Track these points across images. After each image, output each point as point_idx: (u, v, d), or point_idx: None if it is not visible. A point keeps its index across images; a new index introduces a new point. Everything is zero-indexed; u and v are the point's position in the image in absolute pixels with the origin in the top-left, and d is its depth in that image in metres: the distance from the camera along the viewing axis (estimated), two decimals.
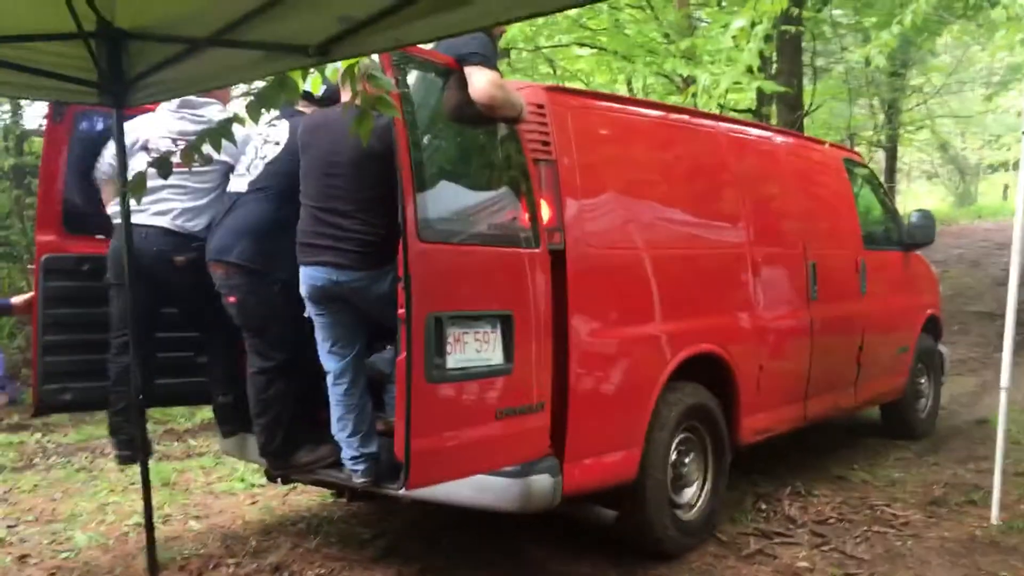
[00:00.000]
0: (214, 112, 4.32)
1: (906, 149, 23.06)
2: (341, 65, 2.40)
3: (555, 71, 14.58)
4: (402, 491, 3.39)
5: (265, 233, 4.00)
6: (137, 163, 4.05)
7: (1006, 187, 28.48)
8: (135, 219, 3.93)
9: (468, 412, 3.40)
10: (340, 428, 3.90)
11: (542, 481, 3.67)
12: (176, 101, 4.26)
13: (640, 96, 13.36)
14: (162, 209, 4.17)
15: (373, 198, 3.69)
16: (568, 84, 15.28)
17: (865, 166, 7.26)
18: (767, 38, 7.76)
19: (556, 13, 9.98)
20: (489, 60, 3.54)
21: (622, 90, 15.75)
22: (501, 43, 10.88)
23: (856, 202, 6.39)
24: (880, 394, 6.57)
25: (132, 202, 3.58)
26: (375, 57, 2.81)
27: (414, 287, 3.09)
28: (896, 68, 16.92)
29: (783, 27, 9.69)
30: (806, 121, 13.08)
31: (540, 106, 3.89)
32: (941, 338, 7.46)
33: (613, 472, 4.04)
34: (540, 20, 11.67)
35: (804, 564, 4.32)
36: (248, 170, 4.17)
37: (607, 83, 14.66)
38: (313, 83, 2.62)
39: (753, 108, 12.22)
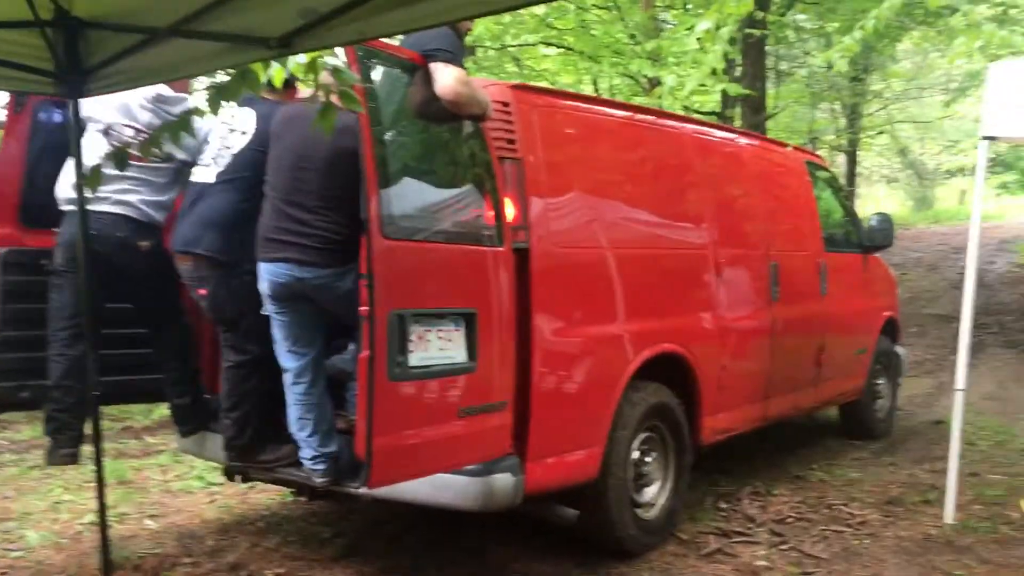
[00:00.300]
0: (181, 111, 4.09)
1: (866, 153, 23.39)
2: (305, 58, 2.37)
3: (521, 70, 14.59)
4: (362, 490, 3.38)
5: (234, 224, 3.95)
6: (95, 144, 4.01)
7: (963, 192, 29.01)
8: (96, 207, 3.91)
9: (430, 410, 3.39)
10: (299, 427, 3.84)
11: (504, 480, 3.67)
12: (151, 92, 4.20)
13: (606, 96, 13.41)
14: (124, 199, 4.10)
15: (342, 196, 3.64)
16: (534, 83, 15.31)
17: (826, 169, 7.37)
18: (732, 41, 7.82)
19: (521, 9, 9.97)
20: (455, 57, 3.51)
21: (588, 90, 15.81)
22: (467, 40, 10.85)
23: (817, 205, 6.47)
24: (839, 394, 6.65)
25: (90, 191, 3.52)
26: (340, 51, 2.78)
27: (377, 284, 3.08)
28: (857, 73, 17.17)
29: (747, 30, 9.77)
30: (769, 124, 13.23)
31: (506, 104, 3.88)
32: (899, 340, 7.56)
33: (575, 471, 4.04)
34: (507, 18, 11.67)
35: (763, 563, 4.36)
36: (214, 160, 4.11)
37: (573, 83, 14.69)
38: (276, 75, 2.57)
39: (718, 110, 12.31)
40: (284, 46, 2.37)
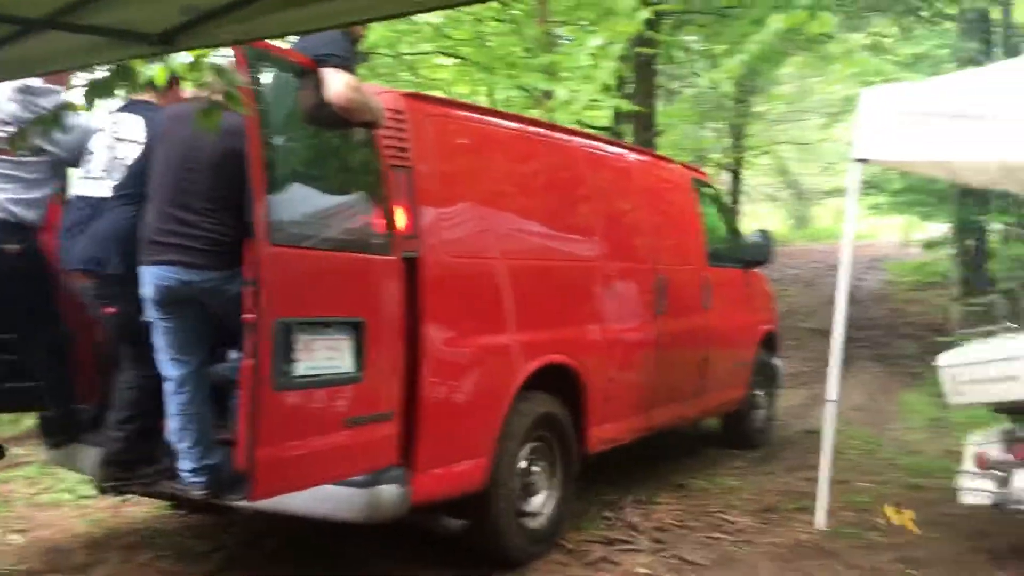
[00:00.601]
0: (50, 102, 4.00)
1: (750, 172, 24.20)
2: (190, 56, 2.30)
3: (416, 79, 14.54)
4: (243, 503, 3.31)
5: (136, 239, 3.82)
6: None
7: (839, 212, 30.35)
8: None
9: (316, 421, 3.35)
10: (180, 438, 3.72)
11: (389, 491, 3.65)
12: (17, 84, 3.99)
13: (501, 108, 13.49)
14: None
15: (229, 197, 3.58)
16: (428, 92, 15.27)
17: (711, 186, 7.59)
18: (623, 58, 7.99)
19: (413, 16, 9.92)
20: (347, 62, 3.48)
21: (483, 101, 15.87)
22: (362, 47, 10.73)
23: (702, 220, 6.65)
24: (720, 405, 6.85)
25: None
26: (226, 51, 2.71)
27: (263, 291, 3.04)
28: (742, 95, 17.79)
29: (638, 49, 10.02)
30: (659, 140, 13.56)
31: (398, 112, 3.88)
32: (777, 352, 7.84)
33: (463, 481, 4.05)
34: (402, 26, 11.60)
35: (644, 570, 4.45)
36: (107, 173, 3.98)
37: (468, 94, 14.71)
38: (158, 74, 2.49)
39: (610, 125, 12.55)
40: (165, 43, 2.29)
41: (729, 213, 7.56)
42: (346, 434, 3.43)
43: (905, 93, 5.06)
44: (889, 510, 5.44)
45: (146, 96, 4.05)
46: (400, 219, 3.75)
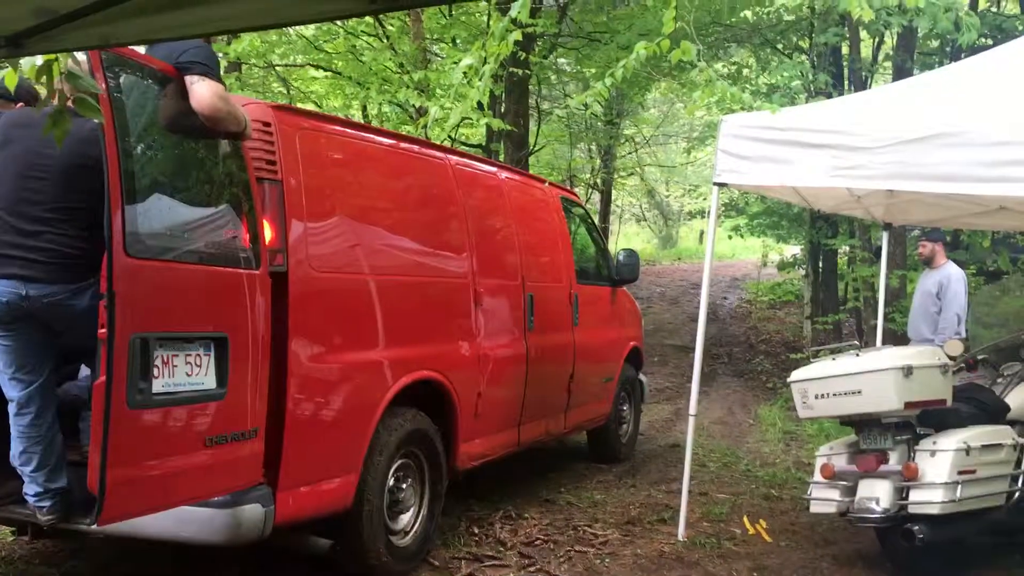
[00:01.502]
0: None
1: (619, 192, 24.87)
2: (40, 60, 2.18)
3: (289, 91, 14.28)
4: (95, 527, 3.14)
5: None
6: None
7: (702, 232, 31.48)
8: None
9: (174, 440, 3.21)
10: (23, 461, 3.47)
11: (252, 511, 3.54)
12: None
13: (375, 123, 13.41)
14: None
15: (78, 208, 3.42)
16: (300, 105, 15.03)
17: (581, 205, 7.79)
18: (496, 78, 8.08)
19: (285, 27, 9.77)
20: (212, 71, 3.39)
21: (356, 116, 15.73)
22: (232, 56, 10.47)
23: (572, 239, 6.81)
24: (588, 420, 6.95)
25: None
26: (81, 55, 2.60)
27: (119, 305, 2.90)
28: (612, 117, 18.28)
29: (512, 69, 10.16)
30: (531, 160, 13.77)
31: (267, 124, 3.81)
32: (642, 368, 8.06)
33: (329, 500, 3.98)
34: (273, 36, 11.40)
35: None
36: None
37: (341, 107, 14.57)
38: (7, 78, 2.36)
39: (483, 144, 12.66)
40: (14, 46, 2.17)
41: (597, 232, 7.75)
42: (207, 453, 3.29)
43: (761, 121, 5.31)
44: (745, 520, 5.67)
45: None
46: (267, 233, 3.67)
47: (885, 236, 7.61)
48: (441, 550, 4.86)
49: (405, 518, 4.55)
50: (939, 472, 4.38)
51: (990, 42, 9.64)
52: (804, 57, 12.93)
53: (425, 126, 8.24)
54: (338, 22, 10.87)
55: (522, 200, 6.21)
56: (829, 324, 12.91)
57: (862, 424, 4.69)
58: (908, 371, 4.46)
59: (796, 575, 4.82)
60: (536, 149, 14.83)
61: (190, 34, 2.52)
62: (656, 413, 9.55)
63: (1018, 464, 4.68)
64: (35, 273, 3.38)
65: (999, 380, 5.43)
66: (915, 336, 7.07)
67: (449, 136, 13.82)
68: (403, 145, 5.06)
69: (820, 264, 14.05)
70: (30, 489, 3.49)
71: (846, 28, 11.27)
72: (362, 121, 11.99)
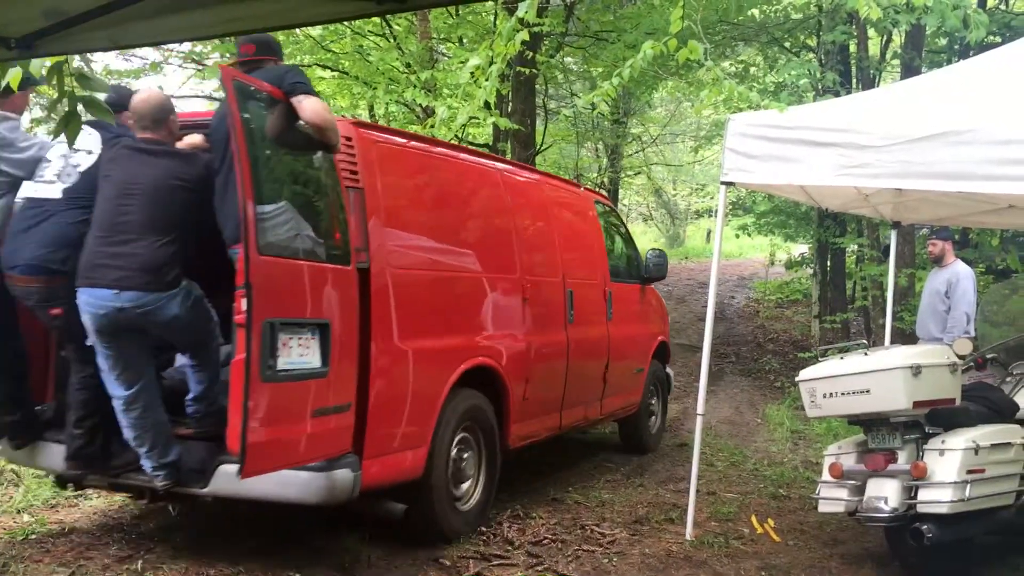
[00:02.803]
0: (6, 128, 4.26)
1: (626, 192, 24.87)
2: (49, 62, 2.20)
3: None
4: (204, 490, 4.00)
5: (82, 242, 4.01)
6: None
7: (709, 231, 31.45)
8: None
9: (291, 409, 3.71)
10: (138, 444, 4.06)
11: (344, 476, 4.06)
12: None
13: (382, 123, 13.45)
14: None
15: (166, 222, 3.98)
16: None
17: (613, 208, 8.19)
18: (503, 77, 8.09)
19: (292, 28, 9.79)
20: (313, 91, 3.91)
21: (363, 115, 15.75)
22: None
23: (605, 240, 7.23)
24: (620, 409, 7.25)
25: None
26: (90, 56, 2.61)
27: (254, 295, 3.42)
28: (618, 116, 18.27)
29: (518, 68, 10.15)
30: (538, 159, 13.76)
31: (349, 139, 4.30)
32: (668, 362, 8.23)
33: (404, 468, 4.54)
34: (280, 36, 11.41)
35: None
36: (59, 177, 4.18)
37: (348, 107, 14.59)
38: (13, 79, 2.37)
39: (490, 143, 12.66)
40: (25, 47, 2.19)
41: (627, 233, 8.10)
42: (313, 422, 3.80)
43: (768, 120, 5.30)
44: (754, 520, 5.67)
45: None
46: (356, 233, 4.21)
47: (893, 235, 7.59)
48: (449, 549, 4.86)
49: (465, 486, 5.13)
50: (948, 471, 4.36)
51: (999, 40, 9.62)
52: (812, 55, 12.91)
53: (432, 126, 8.29)
54: (345, 22, 10.89)
55: (561, 203, 6.75)
56: (837, 323, 12.89)
57: (871, 423, 4.68)
58: (917, 370, 4.45)
59: (804, 574, 4.82)
60: (543, 148, 14.82)
61: (201, 36, 2.53)
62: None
63: None
64: (128, 281, 3.88)
65: (1008, 379, 5.42)
66: (924, 335, 7.06)
67: (456, 135, 13.85)
68: (462, 156, 5.61)
69: (828, 263, 14.02)
70: (146, 463, 4.09)
71: (854, 26, 11.24)
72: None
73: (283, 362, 3.56)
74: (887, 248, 8.68)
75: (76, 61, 2.31)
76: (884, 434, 4.63)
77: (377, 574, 4.50)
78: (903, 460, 4.51)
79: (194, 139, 4.45)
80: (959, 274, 6.88)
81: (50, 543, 4.65)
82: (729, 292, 19.37)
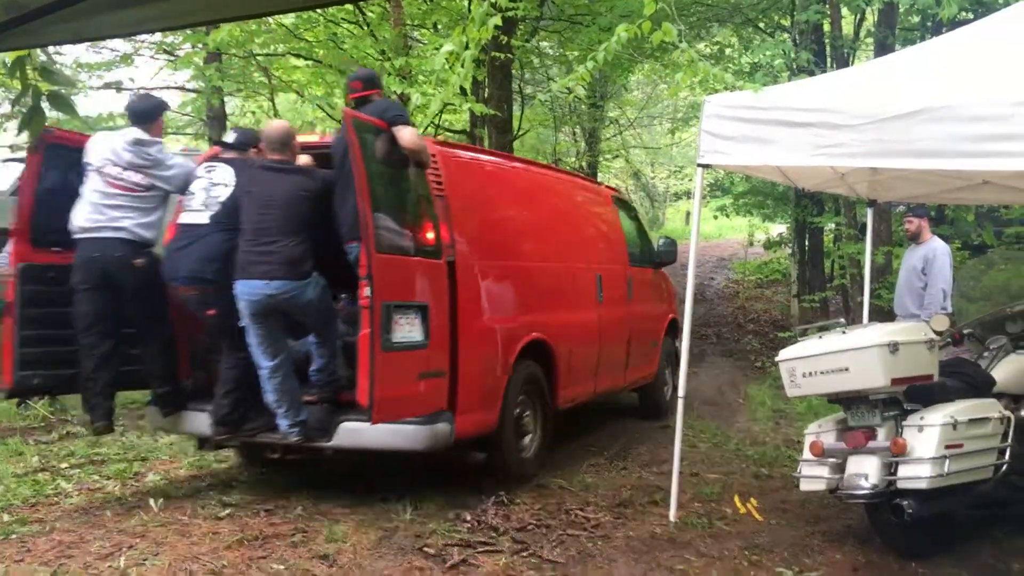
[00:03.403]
0: (155, 151, 5.39)
1: (604, 175, 24.86)
2: (8, 57, 2.15)
3: (270, 80, 14.17)
4: (327, 443, 5.18)
5: (227, 257, 5.13)
6: (93, 182, 5.26)
7: (688, 213, 31.54)
8: (98, 234, 5.17)
9: (403, 373, 4.78)
10: (277, 406, 5.18)
11: (443, 427, 5.12)
12: (131, 137, 5.31)
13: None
14: (119, 224, 5.19)
15: (297, 225, 5.08)
16: (282, 94, 14.94)
17: (627, 202, 9.33)
18: (478, 63, 8.05)
19: (260, 17, 9.69)
20: (409, 120, 5.15)
21: (339, 103, 15.63)
22: (211, 47, 10.38)
23: (623, 229, 8.30)
24: (641, 377, 8.27)
25: (94, 218, 5.15)
26: (53, 49, 2.57)
27: (376, 284, 4.50)
28: (595, 100, 18.25)
29: (494, 54, 10.11)
30: (516, 144, 13.72)
31: (434, 156, 5.31)
32: (678, 337, 8.63)
33: (484, 423, 5.58)
34: (253, 25, 11.29)
35: (504, 571, 4.49)
36: (205, 206, 5.28)
37: (323, 95, 14.48)
38: None
39: (467, 129, 12.62)
40: None
41: (640, 223, 9.13)
42: (419, 384, 4.93)
43: (744, 101, 5.30)
44: (736, 500, 5.70)
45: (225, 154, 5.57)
46: (444, 233, 5.21)
47: (870, 213, 7.63)
48: (434, 538, 4.87)
49: (526, 440, 6.15)
50: (927, 447, 4.40)
51: (971, 16, 9.65)
52: (786, 35, 12.93)
53: (412, 114, 8.24)
54: (317, 10, 10.79)
55: (588, 200, 8.00)
56: (816, 302, 12.97)
57: (850, 401, 4.71)
58: (894, 347, 4.47)
59: (787, 552, 4.85)
60: (520, 134, 14.79)
61: (169, 26, 2.49)
62: (629, 395, 9.56)
63: (1004, 437, 4.69)
64: (274, 273, 5.00)
65: (985, 354, 5.46)
66: (901, 312, 7.11)
67: (432, 122, 13.77)
68: (513, 164, 7.00)
69: (806, 242, 14.09)
70: (283, 423, 5.19)
71: (827, 5, 11.26)
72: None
73: (396, 336, 4.61)
74: (864, 227, 8.74)
75: (41, 56, 2.26)
76: (863, 412, 4.66)
77: (363, 562, 4.50)
78: (882, 437, 4.54)
79: (305, 159, 5.53)
80: (935, 251, 6.93)
81: (31, 542, 4.64)
82: (709, 273, 19.46)
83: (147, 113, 5.49)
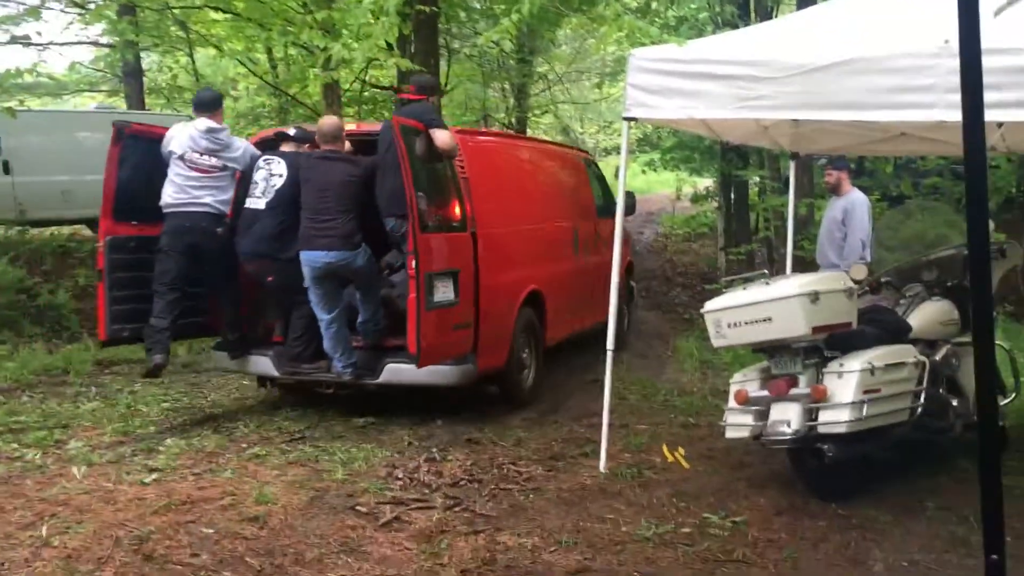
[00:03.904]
0: (224, 136, 6.55)
1: (534, 131, 24.75)
2: None
3: (188, 35, 13.70)
4: (374, 381, 6.32)
5: (282, 235, 6.35)
6: (175, 168, 6.38)
7: (617, 168, 31.72)
8: (188, 208, 6.35)
9: (441, 325, 5.95)
10: (332, 350, 6.37)
11: (470, 367, 6.34)
12: (204, 127, 6.44)
13: (280, 67, 13.12)
14: (204, 200, 6.37)
15: (349, 205, 6.25)
16: (201, 49, 14.47)
17: (594, 162, 10.66)
18: (403, 17, 7.89)
19: None
20: (443, 123, 6.34)
21: (262, 59, 15.22)
22: (124, 0, 9.96)
23: (591, 186, 9.60)
24: (605, 318, 8.23)
25: (180, 197, 6.34)
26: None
27: (420, 258, 5.65)
28: (524, 55, 18.08)
29: (419, 7, 9.92)
30: (444, 100, 13.55)
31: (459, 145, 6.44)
32: (631, 278, 10.74)
33: (497, 361, 6.76)
34: None
35: (437, 526, 4.50)
36: (263, 193, 6.45)
37: (244, 50, 14.06)
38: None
39: (394, 85, 12.39)
40: None
41: (603, 180, 10.29)
42: (453, 334, 6.13)
43: (668, 54, 5.31)
44: (664, 449, 5.81)
45: (284, 147, 6.76)
46: (468, 209, 6.40)
47: (792, 166, 7.76)
48: (367, 496, 4.86)
49: (526, 372, 7.32)
50: (846, 392, 4.52)
51: None
52: None
53: (330, 67, 8.05)
54: None
55: (564, 162, 9.37)
56: (742, 254, 13.20)
57: (773, 350, 4.81)
58: (815, 297, 4.56)
59: (713, 498, 4.97)
60: (448, 89, 14.59)
61: None
62: (579, 350, 9.64)
63: (920, 381, 4.85)
64: (333, 245, 6.18)
65: (901, 301, 5.61)
66: (823, 262, 7.28)
67: (359, 78, 13.49)
68: (516, 140, 8.88)
69: (732, 196, 14.30)
70: (338, 364, 6.39)
71: None
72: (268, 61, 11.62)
73: (436, 297, 5.83)
74: (787, 179, 8.89)
75: None
76: (786, 360, 4.76)
77: (295, 523, 4.47)
78: (804, 384, 4.65)
79: (347, 146, 6.64)
80: (854, 202, 7.08)
81: None
82: (638, 228, 19.61)
83: (213, 102, 6.68)
